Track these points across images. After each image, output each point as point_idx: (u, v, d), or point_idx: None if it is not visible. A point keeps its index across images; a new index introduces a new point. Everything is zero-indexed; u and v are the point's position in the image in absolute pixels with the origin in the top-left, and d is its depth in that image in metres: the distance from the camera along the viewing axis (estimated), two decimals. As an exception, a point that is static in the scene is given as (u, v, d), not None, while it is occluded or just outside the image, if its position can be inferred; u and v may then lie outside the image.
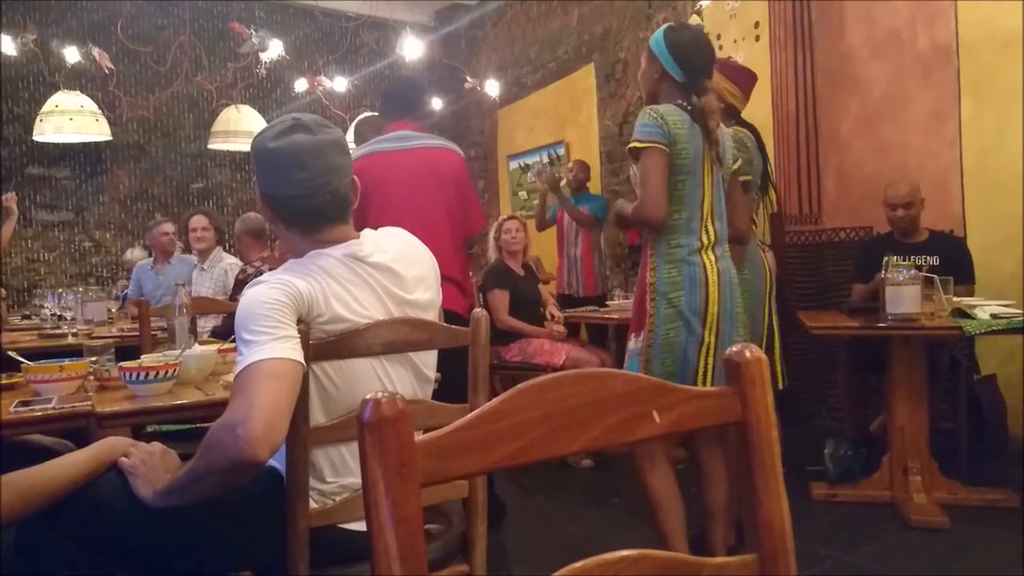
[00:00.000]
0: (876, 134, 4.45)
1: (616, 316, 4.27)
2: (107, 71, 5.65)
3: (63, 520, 1.37)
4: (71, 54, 5.61)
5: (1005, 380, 3.63)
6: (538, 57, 7.39)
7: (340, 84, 6.83)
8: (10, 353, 2.15)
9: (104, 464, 1.44)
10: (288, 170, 1.49)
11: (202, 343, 2.55)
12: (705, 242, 2.24)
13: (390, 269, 1.56)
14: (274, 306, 1.37)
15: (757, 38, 4.98)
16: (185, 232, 5.04)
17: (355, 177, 1.59)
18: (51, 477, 1.38)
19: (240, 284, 3.92)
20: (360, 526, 1.46)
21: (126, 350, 2.57)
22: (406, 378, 1.60)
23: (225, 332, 3.55)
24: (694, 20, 4.84)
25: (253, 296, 1.39)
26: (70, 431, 1.87)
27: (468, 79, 6.71)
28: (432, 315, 1.66)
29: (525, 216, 6.04)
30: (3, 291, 4.12)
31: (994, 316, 2.85)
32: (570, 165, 5.91)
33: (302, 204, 1.51)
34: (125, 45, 6.48)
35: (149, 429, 2.42)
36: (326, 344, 1.43)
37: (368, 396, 0.60)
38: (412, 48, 5.69)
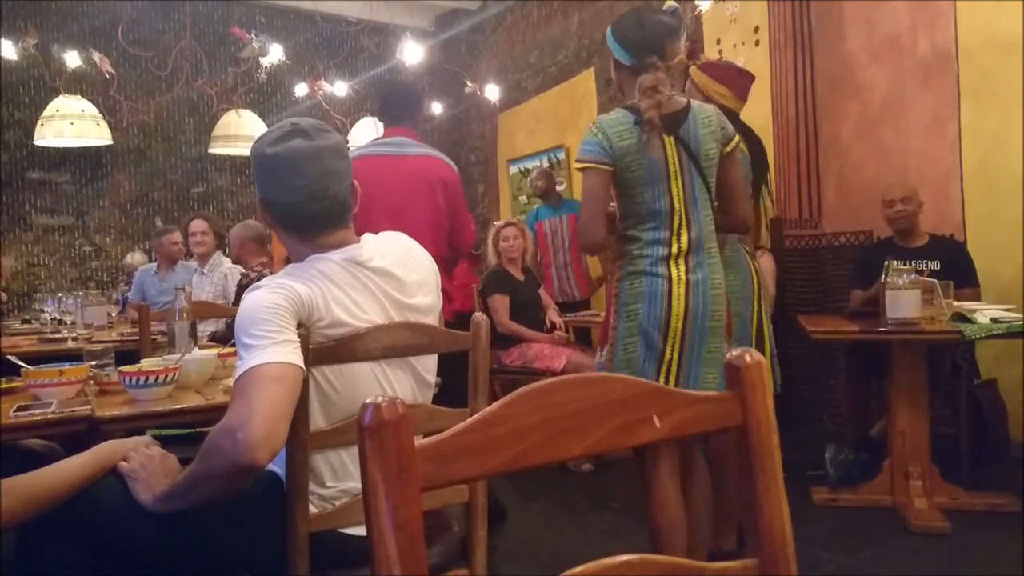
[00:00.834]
0: (876, 138, 4.45)
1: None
2: (108, 75, 5.66)
3: (63, 524, 1.37)
4: (72, 59, 5.62)
5: (1006, 384, 3.63)
6: (538, 61, 7.40)
7: (340, 88, 6.84)
8: (10, 357, 2.15)
9: (103, 468, 1.44)
10: (286, 175, 1.49)
11: (202, 347, 2.56)
12: (674, 251, 2.06)
13: (390, 273, 1.56)
14: (274, 310, 1.37)
15: (757, 43, 4.98)
16: (185, 236, 5.06)
17: (355, 182, 1.58)
18: (51, 481, 1.38)
19: (242, 289, 3.92)
20: (360, 530, 1.46)
21: (126, 354, 2.58)
22: (406, 382, 1.60)
23: (225, 336, 3.55)
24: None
25: (253, 300, 1.39)
26: (69, 436, 1.87)
27: (468, 83, 6.72)
28: (432, 319, 1.66)
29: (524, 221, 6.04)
30: (3, 295, 4.12)
31: (994, 320, 2.84)
32: (533, 175, 5.92)
33: (300, 209, 1.51)
34: (126, 50, 6.49)
35: (149, 433, 2.42)
36: (326, 348, 1.43)
37: (368, 400, 0.60)
38: (412, 53, 5.70)
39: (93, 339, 3.46)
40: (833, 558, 2.68)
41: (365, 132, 5.97)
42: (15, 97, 6.71)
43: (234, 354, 1.49)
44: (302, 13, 7.69)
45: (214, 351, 2.35)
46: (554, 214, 5.68)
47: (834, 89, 4.64)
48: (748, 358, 0.77)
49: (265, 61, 5.79)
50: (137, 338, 3.20)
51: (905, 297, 2.90)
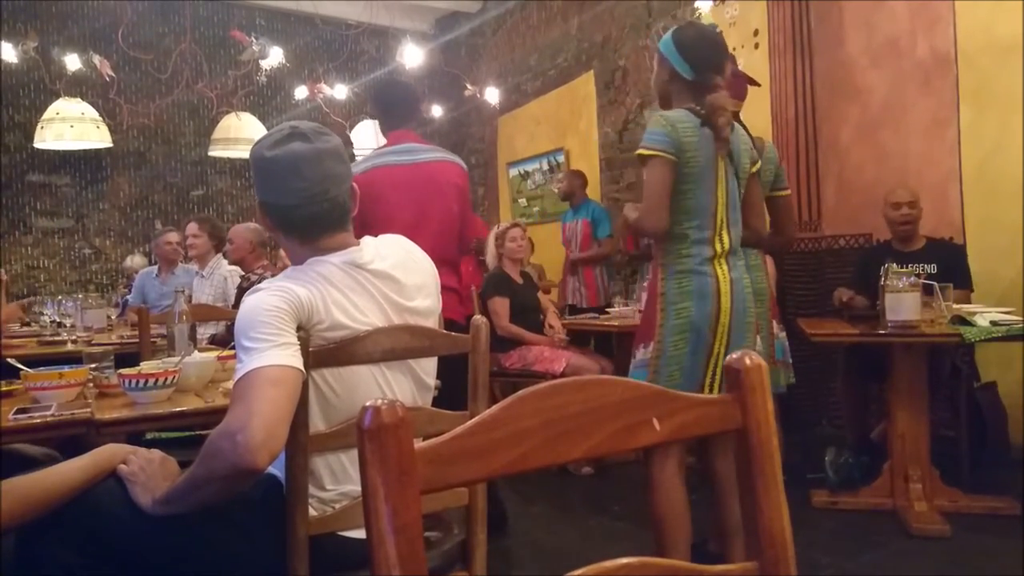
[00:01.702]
0: (875, 142, 4.46)
1: (616, 323, 4.26)
2: (108, 78, 5.67)
3: (63, 527, 1.37)
4: (72, 61, 5.63)
5: (1005, 388, 3.63)
6: (538, 64, 7.41)
7: (340, 92, 6.84)
8: (10, 360, 2.15)
9: (103, 471, 1.44)
10: (285, 178, 1.49)
11: (201, 350, 2.55)
12: (718, 251, 2.18)
13: (390, 276, 1.56)
14: (274, 313, 1.37)
15: (756, 46, 4.99)
16: (184, 240, 5.07)
17: (354, 184, 1.59)
18: (51, 484, 1.38)
19: (242, 292, 3.92)
20: (360, 534, 1.46)
21: (126, 357, 2.57)
22: (406, 385, 1.60)
23: (225, 339, 3.55)
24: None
25: (253, 303, 1.39)
26: (67, 439, 1.87)
27: (468, 86, 6.73)
28: (432, 322, 1.66)
29: (526, 223, 6.05)
30: (3, 274, 4.11)
31: (994, 323, 2.84)
32: (560, 176, 5.94)
33: (300, 212, 1.51)
34: (126, 53, 6.50)
35: (148, 436, 2.42)
36: (326, 351, 1.43)
37: (368, 403, 0.60)
38: (412, 56, 5.71)
39: (93, 342, 3.45)
40: (833, 561, 2.68)
41: (365, 135, 5.98)
42: (15, 100, 6.72)
43: (234, 357, 1.49)
44: (302, 16, 7.70)
45: (214, 354, 2.35)
46: (574, 217, 5.70)
47: (833, 92, 4.64)
48: (748, 361, 0.77)
49: (265, 64, 5.81)
50: (137, 341, 3.20)
51: (904, 300, 2.90)
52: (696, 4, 4.86)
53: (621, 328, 4.08)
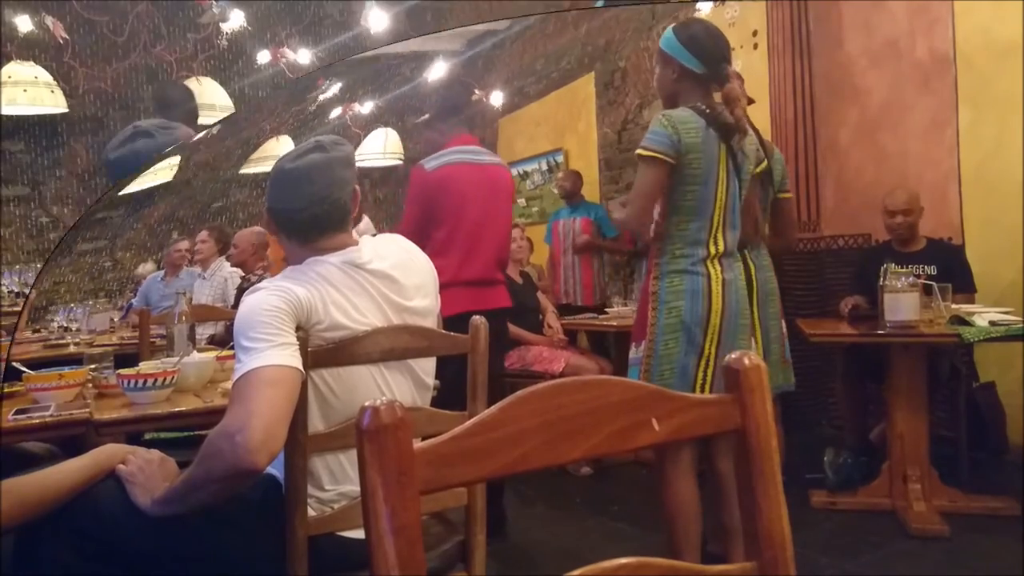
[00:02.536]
0: (875, 142, 4.46)
1: (615, 323, 4.26)
2: (61, 41, 5.46)
3: (61, 527, 1.37)
4: (23, 23, 5.36)
5: (1004, 388, 3.63)
6: (543, 68, 7.41)
7: (304, 56, 6.69)
8: (14, 364, 2.16)
9: (103, 471, 1.44)
10: (298, 186, 1.54)
11: (200, 350, 2.55)
12: (713, 252, 2.17)
13: (389, 276, 1.57)
14: (273, 313, 1.37)
15: (755, 46, 4.99)
16: (193, 246, 5.12)
17: (356, 187, 1.61)
18: (51, 483, 1.38)
19: (241, 293, 3.92)
20: (359, 534, 1.46)
21: (126, 358, 2.58)
22: (405, 385, 1.60)
23: (224, 339, 3.55)
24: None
25: (252, 303, 1.40)
26: (67, 439, 1.87)
27: (476, 91, 6.68)
28: (431, 322, 1.66)
29: (524, 223, 6.05)
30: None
31: (993, 323, 2.84)
32: (560, 175, 5.91)
33: (303, 215, 1.54)
34: (80, 14, 6.20)
35: (147, 436, 2.42)
36: (325, 351, 1.43)
37: (367, 403, 0.60)
38: (377, 20, 5.55)
39: (94, 343, 3.46)
40: (832, 562, 2.68)
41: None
42: (-37, 63, 6.54)
43: (232, 357, 1.49)
44: (264, -22, 7.50)
45: (212, 354, 2.35)
46: (571, 215, 5.68)
47: (832, 93, 4.64)
48: (747, 361, 0.77)
49: (226, 27, 5.62)
50: (137, 342, 3.20)
51: (904, 300, 2.90)
52: (698, 6, 4.86)
53: (620, 328, 4.08)
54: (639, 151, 2.15)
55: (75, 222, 6.58)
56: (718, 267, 2.18)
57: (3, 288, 3.87)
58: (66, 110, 5.71)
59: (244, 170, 6.01)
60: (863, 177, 4.50)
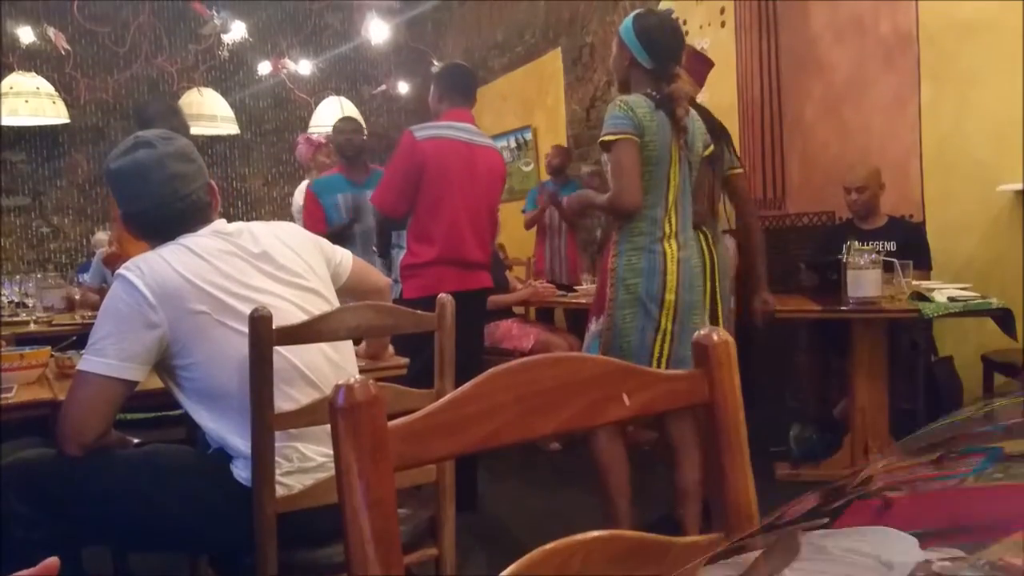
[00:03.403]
0: (839, 118, 4.51)
1: (585, 301, 4.27)
2: (63, 52, 5.51)
3: (35, 496, 1.41)
4: (25, 34, 5.44)
5: (960, 361, 3.72)
6: (505, 41, 7.36)
7: (304, 67, 6.73)
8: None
9: None
10: (132, 186, 1.54)
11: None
12: (667, 231, 2.28)
13: (258, 244, 1.60)
14: (126, 311, 1.45)
15: (723, 24, 5.00)
16: None
17: (212, 182, 1.63)
18: None
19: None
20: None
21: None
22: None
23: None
24: (664, 5, 4.84)
25: (113, 293, 1.47)
26: (30, 420, 1.84)
27: (435, 62, 6.66)
28: (322, 285, 1.67)
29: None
30: None
31: (951, 299, 2.91)
32: (548, 152, 5.87)
33: (154, 216, 1.55)
34: (82, 25, 6.30)
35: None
36: (291, 329, 1.43)
37: (340, 382, 0.60)
38: (377, 30, 5.62)
39: (53, 322, 3.40)
40: (795, 531, 2.74)
41: (329, 111, 5.89)
42: (-35, 74, 6.49)
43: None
44: (265, -11, 7.53)
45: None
46: (561, 192, 5.64)
47: (798, 68, 4.67)
48: (715, 337, 0.79)
49: (227, 38, 5.68)
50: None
51: (865, 276, 2.95)
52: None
53: (590, 305, 4.08)
54: (606, 137, 2.23)
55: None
56: (674, 245, 2.28)
57: (3, 298, 3.79)
58: (67, 121, 5.67)
59: None
60: (827, 153, 4.55)
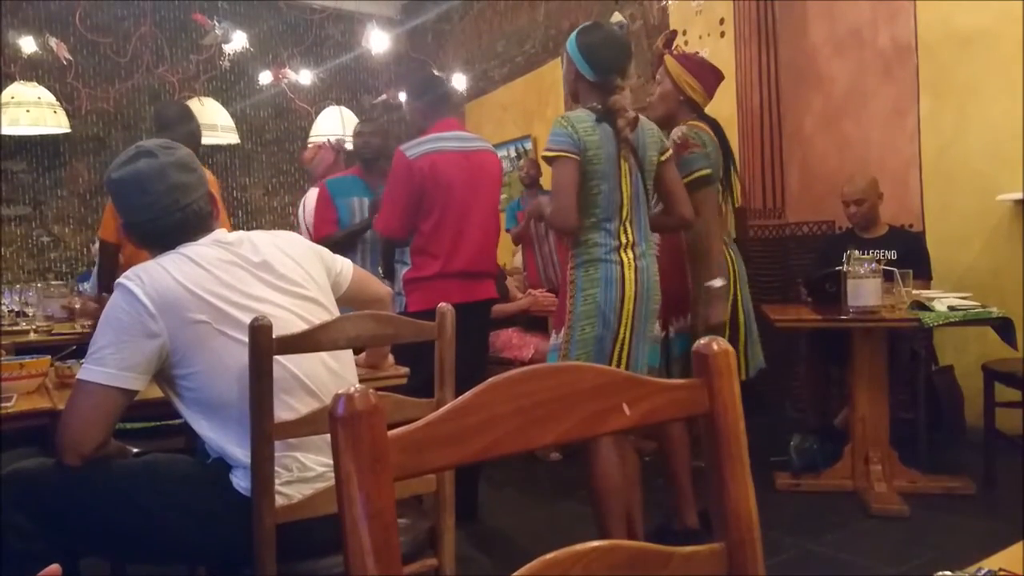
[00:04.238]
0: (838, 129, 4.52)
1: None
2: (65, 62, 5.53)
3: (33, 507, 1.40)
4: (27, 44, 5.47)
5: (961, 370, 3.72)
6: (505, 51, 7.38)
7: (305, 77, 6.75)
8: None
9: None
10: (133, 196, 1.54)
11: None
12: (623, 241, 2.30)
13: (258, 252, 1.59)
14: (126, 320, 1.44)
15: (722, 34, 5.02)
16: None
17: (212, 191, 1.64)
18: None
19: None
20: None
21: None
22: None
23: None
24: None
25: (114, 302, 1.46)
26: (30, 430, 1.84)
27: (435, 72, 6.67)
28: (321, 293, 1.67)
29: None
30: None
31: (951, 308, 2.91)
32: (521, 163, 5.89)
33: (155, 226, 1.55)
34: (84, 35, 6.33)
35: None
36: (291, 339, 1.43)
37: (340, 391, 0.60)
38: (378, 41, 5.64)
39: (53, 331, 3.39)
40: (796, 542, 2.73)
41: (330, 122, 5.90)
42: (-33, 84, 6.52)
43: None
44: (265, 0, 7.58)
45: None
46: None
47: (798, 81, 4.69)
48: (715, 346, 0.78)
49: (228, 48, 5.69)
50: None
51: (866, 286, 2.95)
52: (663, -8, 4.88)
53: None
54: (545, 154, 2.26)
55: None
56: (631, 255, 2.30)
57: (3, 307, 3.79)
58: (68, 130, 5.69)
59: None
60: (827, 164, 4.56)
